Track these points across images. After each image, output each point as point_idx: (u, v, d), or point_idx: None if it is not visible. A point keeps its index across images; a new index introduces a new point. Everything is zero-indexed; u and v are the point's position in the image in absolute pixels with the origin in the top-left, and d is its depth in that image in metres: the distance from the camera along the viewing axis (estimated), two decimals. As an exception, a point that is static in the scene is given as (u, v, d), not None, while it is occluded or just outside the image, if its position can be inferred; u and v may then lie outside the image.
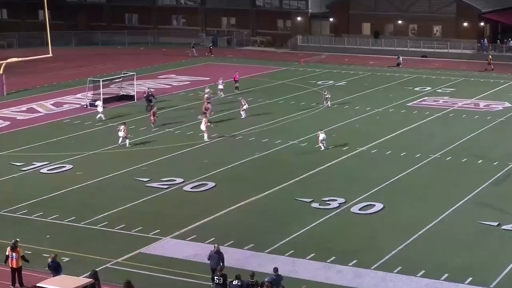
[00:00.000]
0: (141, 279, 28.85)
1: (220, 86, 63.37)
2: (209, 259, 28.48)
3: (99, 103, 56.58)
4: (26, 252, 29.36)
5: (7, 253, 28.47)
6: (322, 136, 46.97)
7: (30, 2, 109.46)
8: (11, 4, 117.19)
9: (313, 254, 31.08)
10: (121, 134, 48.59)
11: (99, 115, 55.54)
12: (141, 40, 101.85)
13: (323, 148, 46.75)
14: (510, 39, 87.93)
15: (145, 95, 59.56)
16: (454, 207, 36.30)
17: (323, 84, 69.56)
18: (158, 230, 33.62)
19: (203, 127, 49.46)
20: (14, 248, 28.30)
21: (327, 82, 70.86)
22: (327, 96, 59.17)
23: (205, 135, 49.30)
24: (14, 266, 28.34)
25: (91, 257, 30.94)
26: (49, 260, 27.86)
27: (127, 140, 48.49)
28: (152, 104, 57.89)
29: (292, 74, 76.62)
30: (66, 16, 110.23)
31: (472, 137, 50.11)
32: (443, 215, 35.38)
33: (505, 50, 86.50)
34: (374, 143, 48.52)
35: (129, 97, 62.72)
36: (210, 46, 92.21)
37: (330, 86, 68.91)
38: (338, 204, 36.84)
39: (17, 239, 28.81)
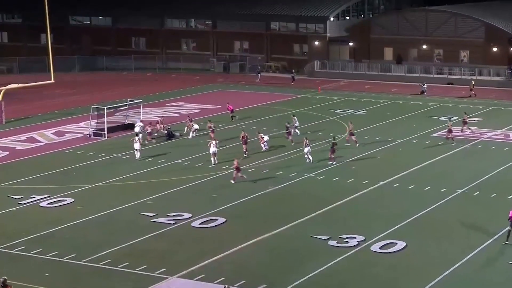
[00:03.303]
0: (145, 322, 28.74)
1: (196, 126, 60.89)
2: (218, 302, 28.45)
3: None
4: (23, 291, 29.35)
5: (-3, 293, 28.42)
6: (266, 138, 54.63)
7: (32, 25, 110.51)
8: (12, 27, 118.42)
9: (330, 296, 30.94)
10: (137, 146, 52.48)
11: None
12: (149, 65, 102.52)
13: (264, 148, 54.27)
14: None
15: (166, 131, 60.12)
16: (482, 246, 36.04)
17: (342, 113, 69.73)
18: (164, 269, 33.56)
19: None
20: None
21: (346, 111, 70.99)
22: (295, 124, 60.10)
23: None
24: (6, 306, 28.35)
25: (92, 298, 30.93)
26: (47, 300, 27.86)
27: (139, 153, 52.78)
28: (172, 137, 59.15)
29: (309, 102, 76.79)
30: (70, 39, 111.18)
31: (502, 171, 49.90)
32: (471, 254, 35.14)
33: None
34: (396, 176, 48.44)
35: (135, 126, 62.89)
36: (293, 75, 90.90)
37: (350, 115, 69.08)
38: (357, 242, 36.70)
39: (5, 277, 28.72)
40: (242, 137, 54.37)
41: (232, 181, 46.95)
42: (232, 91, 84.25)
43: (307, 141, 52.26)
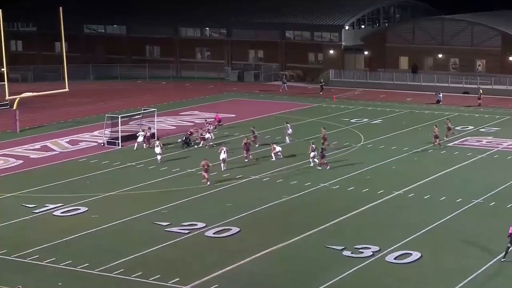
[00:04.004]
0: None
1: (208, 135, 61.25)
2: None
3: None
4: (36, 301, 29.41)
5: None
6: (278, 148, 55.35)
7: (46, 34, 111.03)
8: (26, 35, 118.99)
9: (344, 307, 30.85)
10: (158, 150, 54.34)
11: None
12: (163, 74, 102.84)
13: (275, 159, 54.74)
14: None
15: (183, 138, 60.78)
16: (499, 257, 35.80)
17: (357, 122, 69.72)
18: (178, 279, 33.58)
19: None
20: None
21: (361, 120, 70.94)
22: (288, 132, 61.28)
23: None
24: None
25: (105, 307, 30.98)
26: (60, 310, 27.94)
27: (160, 156, 54.22)
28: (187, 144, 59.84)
29: (324, 111, 76.78)
30: (84, 48, 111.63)
31: (518, 181, 49.81)
32: (487, 265, 34.96)
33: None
34: (412, 186, 48.33)
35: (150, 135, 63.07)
36: (321, 84, 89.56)
37: (365, 124, 69.06)
38: (372, 253, 36.60)
39: (19, 286, 28.80)
40: (245, 143, 55.75)
41: (206, 182, 48.63)
42: (247, 100, 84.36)
43: (313, 145, 53.40)
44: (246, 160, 54.98)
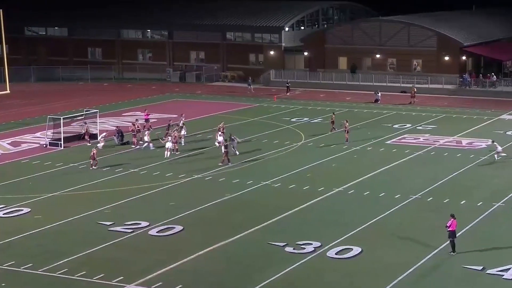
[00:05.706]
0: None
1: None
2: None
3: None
4: (-21, 302, 28.92)
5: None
6: (220, 138, 56.86)
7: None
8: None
9: (287, 302, 30.93)
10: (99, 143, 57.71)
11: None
12: (105, 76, 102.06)
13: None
14: (493, 73, 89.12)
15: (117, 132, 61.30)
16: (436, 251, 36.34)
17: (297, 122, 70.03)
18: (122, 277, 33.35)
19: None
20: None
21: (301, 119, 71.27)
22: (182, 133, 61.86)
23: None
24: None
25: (49, 307, 30.59)
26: (4, 310, 27.56)
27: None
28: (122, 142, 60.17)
29: (265, 110, 76.97)
30: (26, 50, 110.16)
31: (454, 177, 50.47)
32: (425, 259, 35.40)
33: (488, 85, 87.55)
34: (352, 183, 48.70)
35: (92, 136, 62.53)
36: (288, 85, 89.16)
37: (305, 123, 69.42)
38: (313, 248, 36.80)
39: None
40: (174, 136, 57.36)
41: (91, 168, 52.48)
42: (189, 101, 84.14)
43: (235, 136, 56.49)
44: (178, 152, 56.64)
